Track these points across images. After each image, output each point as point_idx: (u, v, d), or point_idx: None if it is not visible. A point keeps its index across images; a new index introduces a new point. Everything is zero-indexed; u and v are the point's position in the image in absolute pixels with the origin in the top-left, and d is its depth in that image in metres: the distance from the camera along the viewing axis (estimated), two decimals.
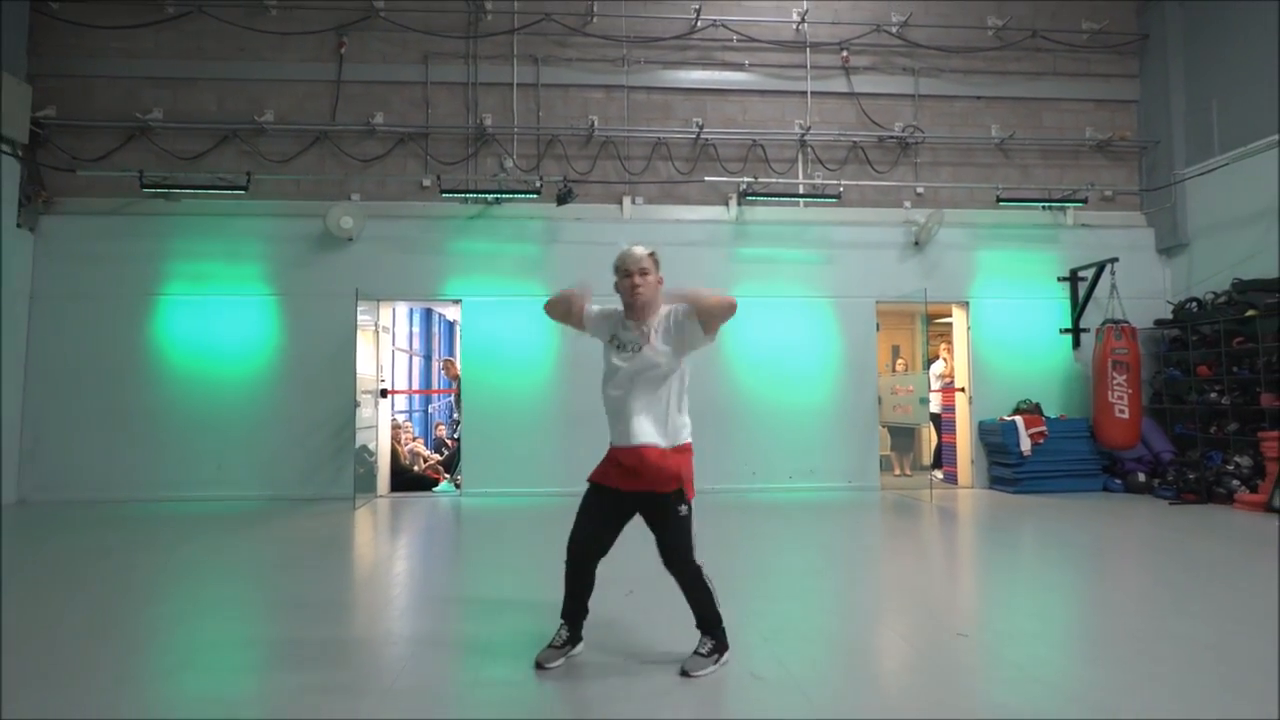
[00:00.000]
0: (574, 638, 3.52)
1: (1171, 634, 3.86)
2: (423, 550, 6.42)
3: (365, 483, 8.97)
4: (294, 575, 5.38)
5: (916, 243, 9.88)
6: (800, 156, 10.00)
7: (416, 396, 13.09)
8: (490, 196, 9.50)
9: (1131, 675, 3.31)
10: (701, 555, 3.38)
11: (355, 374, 8.51)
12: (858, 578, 5.35)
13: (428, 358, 13.43)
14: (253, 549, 6.29)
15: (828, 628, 4.06)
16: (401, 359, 12.27)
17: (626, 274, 3.43)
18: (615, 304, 3.54)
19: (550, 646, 3.47)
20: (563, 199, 9.16)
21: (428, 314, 13.35)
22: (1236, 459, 8.42)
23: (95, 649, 3.67)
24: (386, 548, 6.53)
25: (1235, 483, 8.19)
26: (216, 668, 3.50)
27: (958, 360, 10.32)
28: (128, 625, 4.09)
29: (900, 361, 12.18)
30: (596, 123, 9.67)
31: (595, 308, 3.53)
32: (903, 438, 11.33)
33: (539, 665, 3.38)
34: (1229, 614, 4.18)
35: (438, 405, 13.37)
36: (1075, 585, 5.07)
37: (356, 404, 8.45)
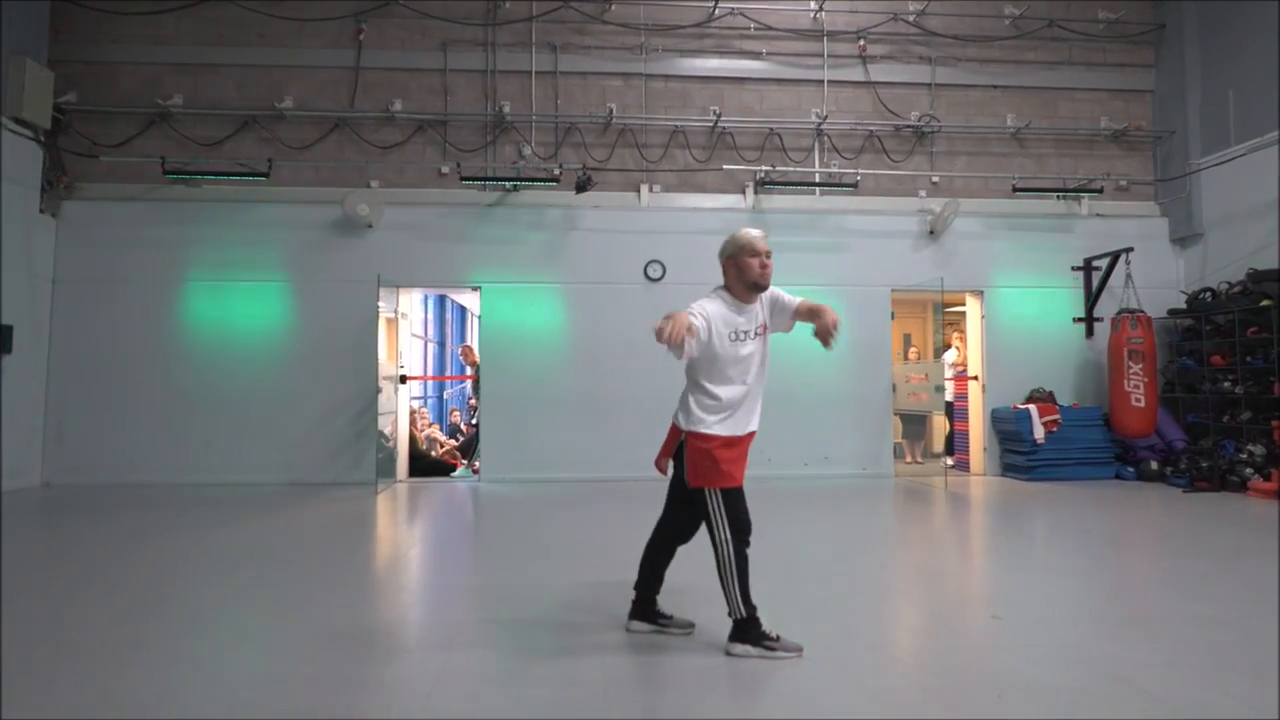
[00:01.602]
0: None
1: (1201, 617, 3.95)
2: (454, 535, 6.52)
3: (384, 468, 9.05)
4: (329, 557, 5.46)
5: (931, 232, 9.94)
6: (817, 145, 10.04)
7: (430, 383, 13.17)
8: (509, 184, 9.54)
9: (1164, 655, 3.40)
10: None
11: (377, 359, 8.58)
12: (884, 562, 5.43)
13: (441, 344, 13.50)
14: (285, 532, 6.37)
15: (863, 609, 4.14)
16: (416, 345, 12.34)
17: (755, 254, 3.45)
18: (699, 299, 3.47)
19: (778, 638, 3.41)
20: (581, 187, 9.21)
21: (441, 300, 13.41)
22: (1250, 447, 8.50)
23: (136, 628, 3.76)
24: (417, 531, 6.62)
25: (1249, 471, 8.28)
26: (267, 648, 3.59)
27: (972, 349, 10.40)
28: (165, 607, 4.17)
29: (913, 350, 12.24)
30: (614, 111, 9.71)
31: (700, 326, 3.30)
32: (914, 425, 11.42)
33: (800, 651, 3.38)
34: (1251, 597, 4.27)
35: (452, 391, 13.45)
36: (1096, 571, 5.16)
37: (378, 389, 8.53)
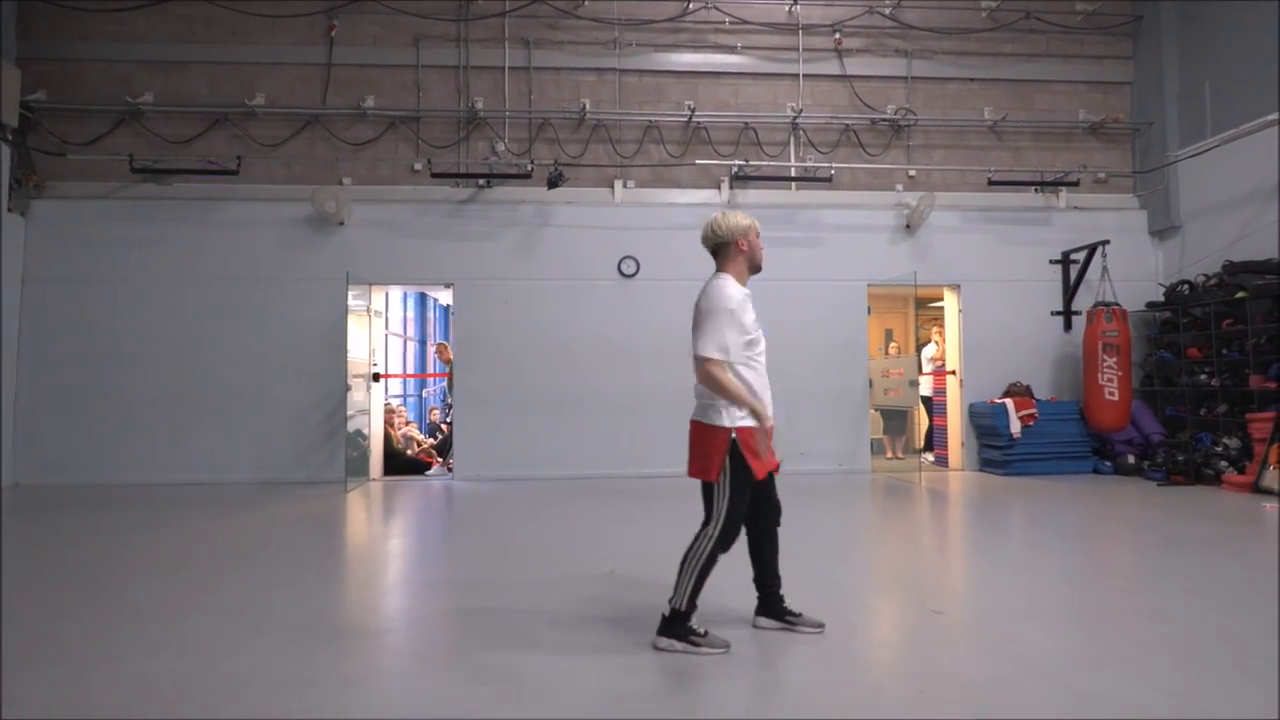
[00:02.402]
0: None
1: (1146, 610, 3.90)
2: (413, 533, 6.47)
3: (358, 466, 9.02)
4: (276, 556, 5.42)
5: (908, 226, 9.88)
6: (792, 139, 9.99)
7: (411, 381, 13.12)
8: (481, 180, 9.49)
9: (1100, 650, 3.35)
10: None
11: (346, 357, 8.53)
12: (841, 557, 5.37)
13: (423, 342, 13.44)
14: (240, 531, 6.32)
15: (807, 605, 4.06)
16: (396, 343, 12.29)
17: (758, 235, 3.55)
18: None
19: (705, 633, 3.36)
20: (553, 182, 9.15)
21: (422, 298, 13.36)
22: (1225, 440, 8.44)
23: (67, 626, 3.72)
24: (375, 530, 6.58)
25: (1223, 464, 8.22)
26: (207, 645, 3.55)
27: (949, 343, 10.34)
28: (101, 606, 4.13)
29: (893, 345, 12.18)
30: (588, 106, 9.65)
31: (736, 315, 3.33)
32: (895, 421, 11.35)
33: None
34: (1205, 591, 4.22)
35: (433, 390, 13.40)
36: (1056, 564, 5.09)
37: (347, 387, 8.48)
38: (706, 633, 3.35)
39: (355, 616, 3.91)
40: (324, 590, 4.47)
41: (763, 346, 3.48)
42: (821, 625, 3.57)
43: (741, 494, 3.36)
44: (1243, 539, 5.69)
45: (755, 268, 3.56)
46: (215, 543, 5.79)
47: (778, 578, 3.64)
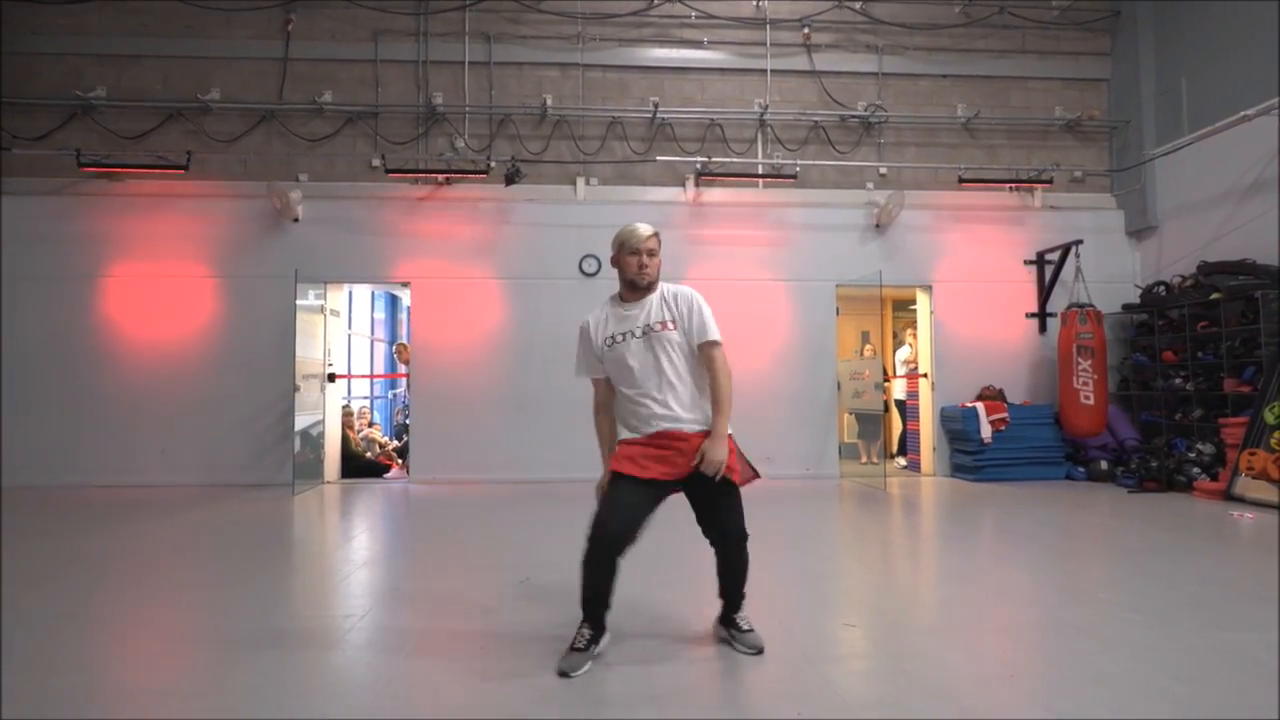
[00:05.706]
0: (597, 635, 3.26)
1: (1070, 624, 3.65)
2: (334, 539, 6.24)
3: (311, 469, 8.80)
4: (183, 564, 5.21)
5: (878, 225, 9.63)
6: (760, 136, 9.76)
7: (380, 383, 12.92)
8: (440, 177, 9.28)
9: (1006, 667, 3.11)
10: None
11: (294, 357, 8.32)
12: (777, 566, 5.10)
13: (393, 343, 13.24)
14: (158, 537, 6.11)
15: (711, 618, 3.84)
16: (363, 344, 12.10)
17: (634, 252, 3.28)
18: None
19: (574, 650, 3.15)
20: (510, 178, 8.94)
21: (393, 299, 13.17)
22: (1199, 446, 8.18)
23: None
24: (300, 536, 6.36)
25: (1196, 470, 7.96)
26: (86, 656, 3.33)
27: (921, 345, 10.09)
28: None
29: (869, 347, 11.93)
30: (550, 102, 9.43)
31: (585, 355, 3.36)
32: (869, 424, 11.09)
33: (564, 674, 3.03)
34: (1138, 605, 3.96)
35: (401, 391, 13.20)
36: (996, 576, 4.84)
37: (296, 388, 8.27)
38: (577, 648, 3.12)
39: (226, 628, 3.68)
40: (206, 599, 4.24)
41: (625, 369, 3.27)
42: (759, 649, 3.29)
43: (608, 493, 3.22)
44: (1199, 550, 5.43)
45: (630, 284, 3.31)
46: (125, 549, 5.58)
47: (725, 588, 3.46)
